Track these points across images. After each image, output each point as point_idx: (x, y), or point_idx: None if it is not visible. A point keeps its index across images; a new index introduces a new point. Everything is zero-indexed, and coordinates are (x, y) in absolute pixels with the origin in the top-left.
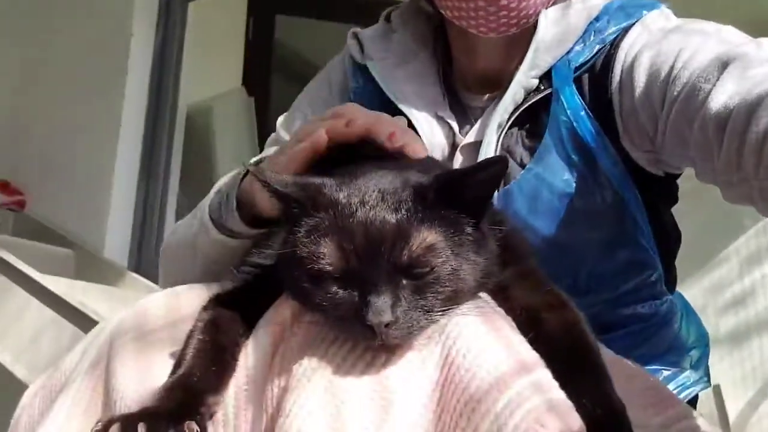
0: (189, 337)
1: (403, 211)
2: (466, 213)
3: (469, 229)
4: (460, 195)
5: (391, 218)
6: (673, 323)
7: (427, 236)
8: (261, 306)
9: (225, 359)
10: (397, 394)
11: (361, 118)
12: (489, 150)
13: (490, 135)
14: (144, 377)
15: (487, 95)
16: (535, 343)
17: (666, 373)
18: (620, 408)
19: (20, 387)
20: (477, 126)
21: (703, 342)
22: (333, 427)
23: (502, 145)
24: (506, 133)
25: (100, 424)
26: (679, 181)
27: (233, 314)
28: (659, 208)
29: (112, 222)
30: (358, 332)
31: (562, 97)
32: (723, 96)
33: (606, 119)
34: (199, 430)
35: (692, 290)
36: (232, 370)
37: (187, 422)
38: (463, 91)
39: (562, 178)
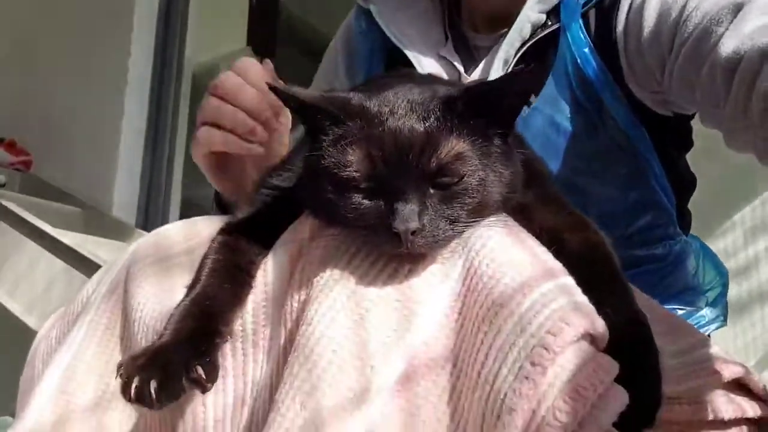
0: (204, 258)
1: (432, 120)
2: (495, 125)
3: (497, 141)
4: (489, 106)
5: (420, 127)
6: (688, 264)
7: (456, 145)
8: (279, 228)
9: (240, 277)
10: (419, 304)
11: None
12: None
13: (495, 71)
14: (163, 298)
15: (495, 35)
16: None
17: (681, 312)
18: (642, 318)
19: (33, 336)
20: (482, 64)
21: (721, 281)
22: (356, 333)
23: None
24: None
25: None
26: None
27: (249, 236)
28: (671, 151)
29: (119, 180)
30: (384, 241)
31: (568, 33)
32: (734, 40)
33: (611, 57)
34: (204, 375)
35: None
36: (249, 287)
37: (194, 365)
38: (470, 31)
39: (568, 116)
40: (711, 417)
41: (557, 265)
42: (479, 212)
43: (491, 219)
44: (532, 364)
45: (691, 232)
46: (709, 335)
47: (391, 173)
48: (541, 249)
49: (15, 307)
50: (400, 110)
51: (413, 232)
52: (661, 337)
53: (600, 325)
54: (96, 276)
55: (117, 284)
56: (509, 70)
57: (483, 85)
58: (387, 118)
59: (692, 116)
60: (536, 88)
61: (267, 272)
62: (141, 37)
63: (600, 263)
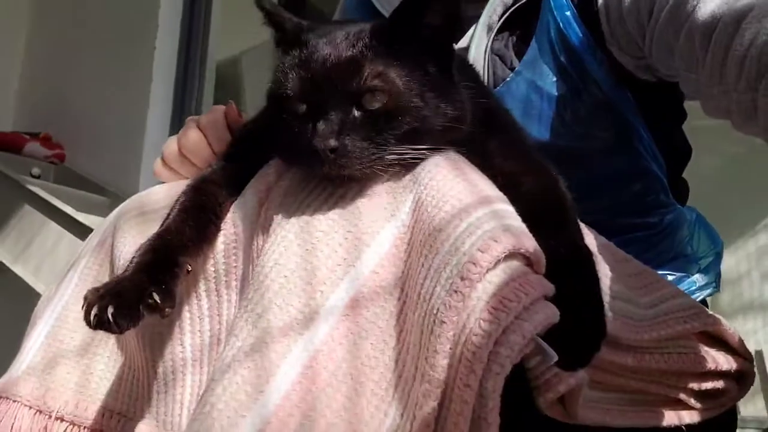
0: (175, 201)
1: (360, 47)
2: (428, 54)
3: (432, 70)
4: (417, 32)
5: (347, 52)
6: (680, 232)
7: (381, 68)
8: (250, 174)
9: (204, 217)
10: (370, 235)
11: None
12: (478, 52)
13: (479, 37)
14: (141, 241)
15: (483, 3)
16: (513, 204)
17: (671, 277)
18: (586, 251)
19: None
20: (469, 32)
21: (714, 250)
22: (307, 260)
23: (492, 48)
24: (496, 36)
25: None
26: (722, 139)
27: (220, 181)
28: (660, 118)
29: (144, 171)
30: (311, 162)
31: None
32: (711, 5)
33: (593, 22)
34: (159, 300)
35: (736, 255)
36: (215, 228)
37: (149, 292)
38: None
39: (551, 81)
40: (682, 368)
41: (495, 193)
42: (412, 138)
43: (439, 155)
44: (461, 278)
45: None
46: (705, 300)
47: (318, 94)
48: (483, 180)
49: (40, 287)
50: (335, 40)
51: (332, 150)
52: (635, 290)
53: (530, 245)
54: (89, 235)
55: (105, 237)
56: (493, 37)
57: (398, 12)
58: (322, 46)
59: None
60: (453, 8)
61: (236, 214)
62: (166, 33)
63: (551, 203)
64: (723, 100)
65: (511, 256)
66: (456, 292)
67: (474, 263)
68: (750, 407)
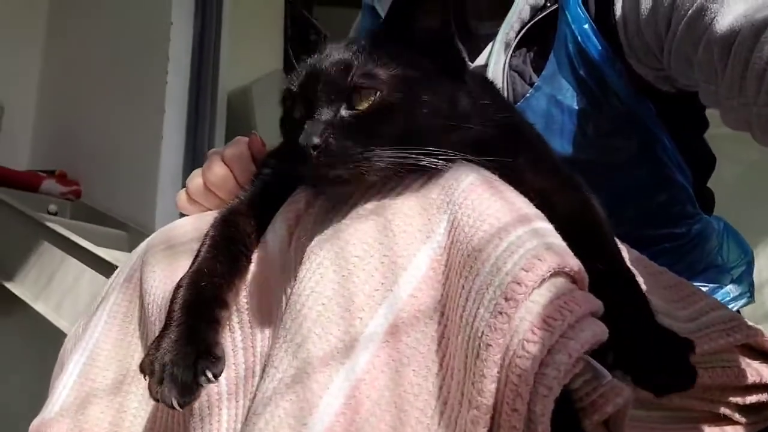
0: (204, 236)
1: (353, 51)
2: (427, 56)
3: (431, 71)
4: (411, 34)
5: (339, 56)
6: (709, 243)
7: (369, 67)
8: (278, 204)
9: (235, 250)
10: (406, 259)
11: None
12: (497, 69)
13: (497, 54)
14: (173, 279)
15: (500, 21)
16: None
17: (704, 289)
18: (626, 268)
19: None
20: (486, 50)
21: (746, 260)
22: (344, 287)
23: (510, 64)
24: (514, 53)
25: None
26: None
27: (247, 214)
28: (682, 127)
29: (160, 205)
30: (302, 165)
31: (567, 12)
32: (729, 17)
33: (611, 35)
34: (212, 375)
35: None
36: (246, 259)
37: (202, 369)
38: (474, 21)
39: (571, 95)
40: (725, 382)
41: (533, 211)
42: (407, 139)
43: (470, 169)
44: (506, 299)
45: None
46: (738, 311)
47: (308, 96)
48: (519, 198)
49: (62, 324)
50: (333, 51)
51: (315, 148)
52: (672, 303)
53: (574, 264)
54: (114, 273)
55: (133, 273)
56: (511, 54)
57: (388, 14)
58: (321, 54)
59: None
60: (446, 8)
61: (267, 244)
62: (177, 66)
63: (588, 222)
64: (743, 113)
65: (555, 274)
66: (501, 313)
67: (518, 283)
68: None
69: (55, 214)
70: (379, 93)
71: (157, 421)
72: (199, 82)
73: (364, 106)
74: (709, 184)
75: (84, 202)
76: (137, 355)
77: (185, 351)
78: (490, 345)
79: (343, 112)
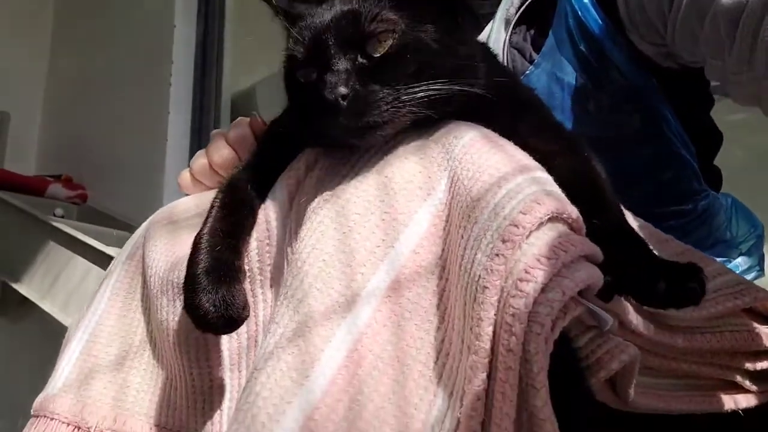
0: (213, 200)
1: (358, 0)
2: (433, 2)
3: (438, 9)
4: None
5: (346, 7)
6: (716, 218)
7: (379, 11)
8: (275, 174)
9: (245, 209)
10: (407, 215)
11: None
12: (497, 45)
13: (497, 31)
14: (174, 251)
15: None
16: None
17: None
18: (628, 226)
19: None
20: (487, 28)
21: (755, 233)
22: (345, 244)
23: (510, 41)
24: (514, 30)
25: None
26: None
27: (253, 177)
28: (688, 105)
29: (166, 203)
30: (329, 122)
31: None
32: None
33: (611, 10)
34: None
35: None
36: (253, 220)
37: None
38: (476, 0)
39: (571, 72)
40: (735, 347)
41: (532, 162)
42: (428, 75)
43: (470, 126)
44: (503, 241)
45: None
46: None
47: (322, 54)
48: (518, 150)
49: (68, 322)
50: (336, 2)
51: (344, 98)
52: None
53: (572, 211)
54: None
55: (136, 249)
56: (511, 31)
57: None
58: (320, 11)
59: (703, 70)
60: None
61: (268, 209)
62: (180, 68)
63: (589, 185)
64: (752, 87)
65: (554, 219)
66: (498, 255)
67: (516, 225)
68: None
69: (62, 217)
70: (395, 34)
71: (160, 395)
72: (203, 84)
73: (381, 50)
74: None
75: (90, 206)
76: (140, 330)
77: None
78: (487, 287)
79: (362, 60)
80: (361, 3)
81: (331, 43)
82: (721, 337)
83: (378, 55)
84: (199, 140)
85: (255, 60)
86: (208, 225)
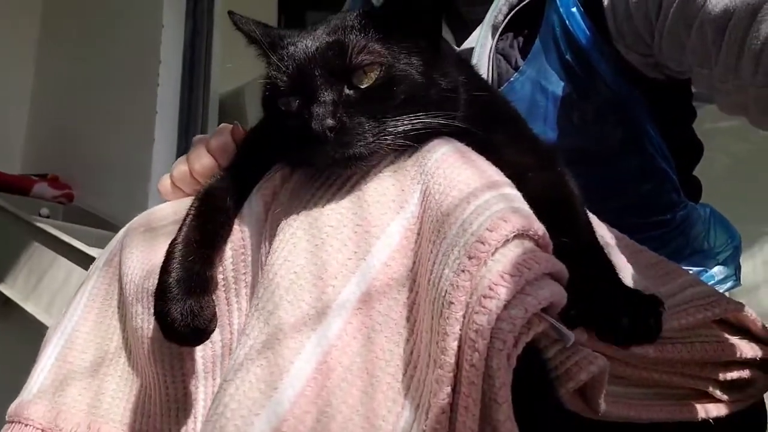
0: (188, 209)
1: (342, 31)
2: (417, 32)
3: (420, 43)
4: (405, 11)
5: (330, 38)
6: (694, 229)
7: (365, 43)
8: (252, 183)
9: (220, 218)
10: (379, 228)
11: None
12: (483, 51)
13: (484, 37)
14: (150, 258)
15: (488, 6)
16: None
17: (690, 271)
18: (596, 244)
19: None
20: (474, 34)
21: (732, 244)
22: (317, 256)
23: (496, 48)
24: (501, 36)
25: None
26: (734, 141)
27: (229, 188)
28: (670, 117)
29: (152, 205)
30: (314, 151)
31: None
32: None
33: (599, 20)
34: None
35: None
36: (229, 229)
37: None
38: (465, 7)
39: (556, 81)
40: (705, 357)
41: (502, 179)
42: (412, 107)
43: (446, 144)
44: (469, 257)
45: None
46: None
47: (306, 84)
48: (489, 166)
49: (51, 322)
50: (318, 31)
51: (331, 129)
52: (652, 279)
53: (539, 227)
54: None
55: (113, 256)
56: (498, 37)
57: None
58: (303, 40)
59: (688, 82)
60: None
61: (243, 219)
62: (168, 68)
63: (560, 201)
64: (739, 96)
65: (520, 236)
66: (464, 271)
67: (482, 242)
68: None
69: (48, 217)
70: (381, 66)
71: (135, 402)
72: (191, 84)
73: (367, 82)
74: (700, 178)
75: (77, 206)
76: (116, 337)
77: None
78: (453, 303)
79: (348, 91)
80: (346, 33)
81: (317, 74)
82: (692, 347)
83: (364, 86)
84: (186, 140)
85: (244, 60)
86: (183, 233)
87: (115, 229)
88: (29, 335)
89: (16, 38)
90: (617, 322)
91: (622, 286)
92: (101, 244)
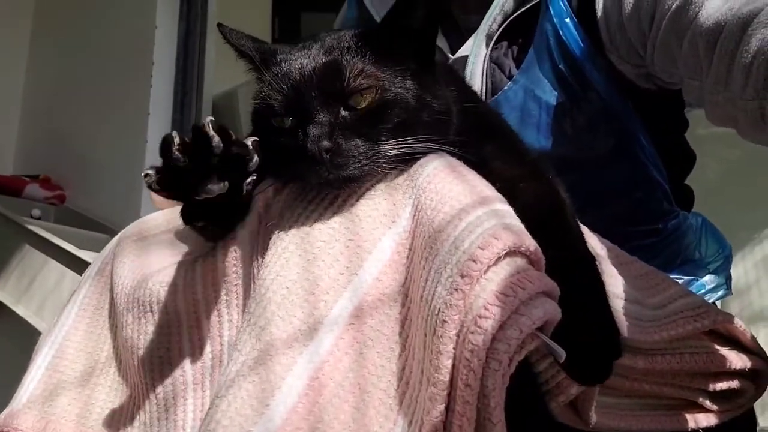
0: None
1: (338, 52)
2: (410, 53)
3: (414, 66)
4: (400, 33)
5: (325, 58)
6: (685, 238)
7: (363, 66)
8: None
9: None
10: (371, 243)
11: None
12: (477, 61)
13: (479, 46)
14: (141, 268)
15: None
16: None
17: (680, 281)
18: (588, 256)
19: None
20: (469, 42)
21: (723, 254)
22: (309, 271)
23: (490, 57)
24: (495, 45)
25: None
26: (726, 147)
27: None
28: (663, 127)
29: (145, 209)
30: (310, 171)
31: (550, 6)
32: (715, 11)
33: (592, 30)
34: None
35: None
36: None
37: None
38: (460, 15)
39: (549, 90)
40: (694, 368)
41: (494, 194)
42: (406, 130)
43: (437, 159)
44: (462, 276)
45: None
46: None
47: (302, 104)
48: (481, 181)
49: (43, 326)
50: (310, 50)
51: (327, 151)
52: (642, 291)
53: (531, 244)
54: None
55: (105, 265)
56: (492, 45)
57: (385, 17)
58: (298, 58)
59: (680, 93)
60: (439, 8)
61: (236, 233)
62: (162, 69)
63: (551, 210)
64: (728, 108)
65: (511, 253)
66: (457, 290)
67: (474, 260)
68: (766, 419)
69: (39, 218)
70: (378, 90)
71: (124, 412)
72: (184, 85)
73: (363, 104)
74: (692, 184)
75: (68, 207)
76: (107, 347)
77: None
78: (446, 321)
79: (344, 113)
80: (342, 54)
81: (313, 95)
82: (681, 358)
83: (359, 108)
84: None
85: (237, 62)
86: None
87: (107, 230)
88: (20, 338)
89: (8, 39)
90: (578, 366)
91: (601, 319)
92: (93, 246)
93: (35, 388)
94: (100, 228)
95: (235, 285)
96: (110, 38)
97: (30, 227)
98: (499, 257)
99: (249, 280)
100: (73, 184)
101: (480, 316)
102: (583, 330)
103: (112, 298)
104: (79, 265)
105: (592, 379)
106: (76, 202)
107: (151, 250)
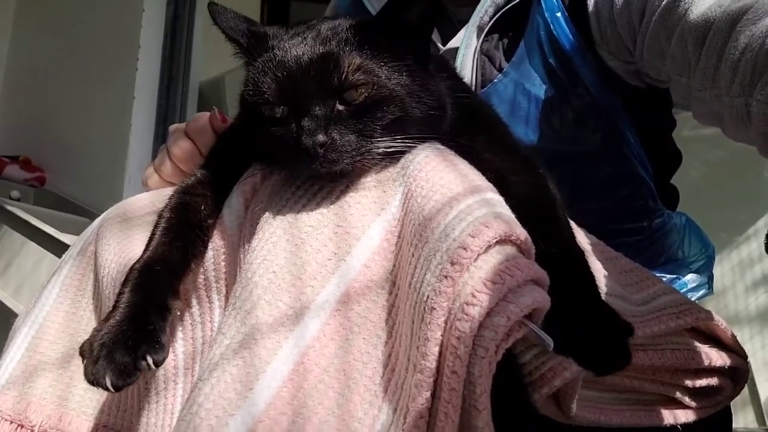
0: (159, 216)
1: (335, 44)
2: (406, 48)
3: (409, 61)
4: (397, 27)
5: (322, 49)
6: (669, 237)
7: (359, 61)
8: (234, 179)
9: (191, 234)
10: (360, 230)
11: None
12: (467, 52)
13: (469, 38)
14: (126, 251)
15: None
16: None
17: (664, 279)
18: (578, 249)
19: None
20: (460, 34)
21: (706, 254)
22: (296, 256)
23: (481, 49)
24: (486, 38)
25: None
26: (710, 148)
27: (203, 194)
28: (650, 125)
29: (128, 193)
30: (301, 163)
31: (541, 0)
32: (704, 7)
33: (583, 25)
34: (152, 362)
35: (721, 267)
36: (202, 243)
37: (143, 354)
38: (452, 6)
39: (539, 84)
40: (675, 364)
41: (485, 183)
42: (397, 128)
43: (428, 148)
44: (452, 263)
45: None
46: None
47: (297, 94)
48: (472, 170)
49: (20, 309)
50: (306, 39)
51: (322, 146)
52: (626, 287)
53: (521, 233)
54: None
55: (87, 245)
56: (483, 38)
57: (382, 10)
58: (294, 46)
59: (669, 92)
60: (434, 4)
61: (224, 217)
62: (148, 54)
63: (541, 203)
64: (715, 105)
65: (502, 242)
66: (446, 277)
67: (465, 248)
68: (741, 419)
69: (18, 200)
70: (374, 87)
71: (108, 396)
72: (170, 70)
73: (359, 99)
74: (677, 184)
75: (48, 189)
76: (89, 329)
77: (127, 333)
78: (435, 308)
79: (339, 107)
80: (339, 45)
81: (309, 87)
82: (663, 354)
83: (355, 102)
84: (164, 127)
85: (225, 49)
86: (149, 251)
87: (88, 214)
88: None
89: None
90: (596, 357)
91: (601, 310)
92: (73, 229)
93: (15, 368)
94: (81, 211)
95: (225, 272)
96: (96, 20)
97: (9, 208)
98: (490, 245)
99: (236, 265)
100: (55, 167)
101: (467, 303)
102: (587, 319)
103: (95, 280)
104: (58, 248)
105: (614, 366)
106: (56, 184)
107: (135, 231)
